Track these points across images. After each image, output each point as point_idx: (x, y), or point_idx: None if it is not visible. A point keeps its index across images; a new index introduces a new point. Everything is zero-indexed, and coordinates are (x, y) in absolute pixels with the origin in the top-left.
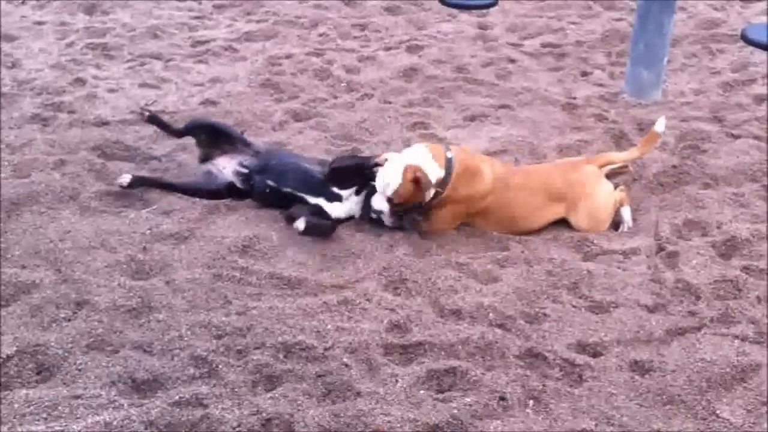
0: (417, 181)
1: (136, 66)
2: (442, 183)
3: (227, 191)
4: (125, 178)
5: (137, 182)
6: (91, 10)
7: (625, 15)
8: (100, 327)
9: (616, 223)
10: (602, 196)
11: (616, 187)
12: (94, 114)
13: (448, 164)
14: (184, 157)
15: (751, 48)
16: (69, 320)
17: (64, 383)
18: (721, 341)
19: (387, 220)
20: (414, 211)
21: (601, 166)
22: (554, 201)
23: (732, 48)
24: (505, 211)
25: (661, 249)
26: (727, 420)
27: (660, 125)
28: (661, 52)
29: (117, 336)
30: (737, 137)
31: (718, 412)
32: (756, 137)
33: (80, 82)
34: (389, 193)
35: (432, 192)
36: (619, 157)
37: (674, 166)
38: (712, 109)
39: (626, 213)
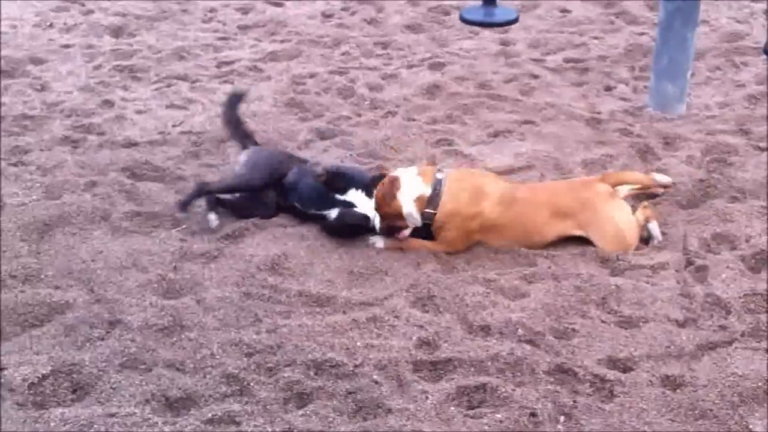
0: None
1: (163, 87)
2: (430, 202)
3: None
4: (213, 221)
5: (213, 205)
6: (118, 33)
7: (648, 29)
8: (133, 346)
9: (644, 239)
10: (619, 216)
11: (636, 205)
12: (122, 135)
13: (437, 184)
14: (211, 177)
15: None
16: (102, 339)
17: (99, 402)
18: (753, 355)
19: (377, 226)
20: (396, 225)
21: (614, 185)
22: (560, 217)
23: (756, 60)
24: (511, 226)
25: (689, 263)
26: None
27: (663, 178)
28: (685, 65)
29: (150, 354)
30: (764, 150)
31: (750, 426)
32: None
33: (108, 103)
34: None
35: (414, 209)
36: (632, 177)
37: (701, 180)
38: (737, 122)
39: (654, 228)
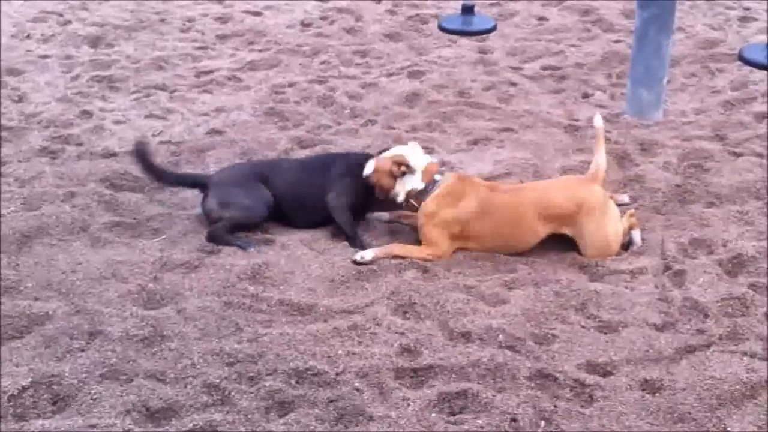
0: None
1: (142, 97)
2: (417, 196)
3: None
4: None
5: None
6: (96, 43)
7: (624, 37)
8: (114, 357)
9: (624, 244)
10: (611, 224)
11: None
12: (101, 146)
13: (431, 183)
14: (194, 189)
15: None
16: (82, 350)
17: (80, 413)
18: (730, 358)
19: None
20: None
21: (603, 181)
22: (550, 219)
23: (731, 67)
24: (492, 231)
25: (667, 268)
26: None
27: (597, 120)
28: (661, 72)
29: (130, 365)
30: (739, 155)
31: (728, 429)
32: (758, 155)
33: (87, 114)
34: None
35: (403, 195)
36: (602, 164)
37: (678, 186)
38: (713, 128)
39: (636, 235)
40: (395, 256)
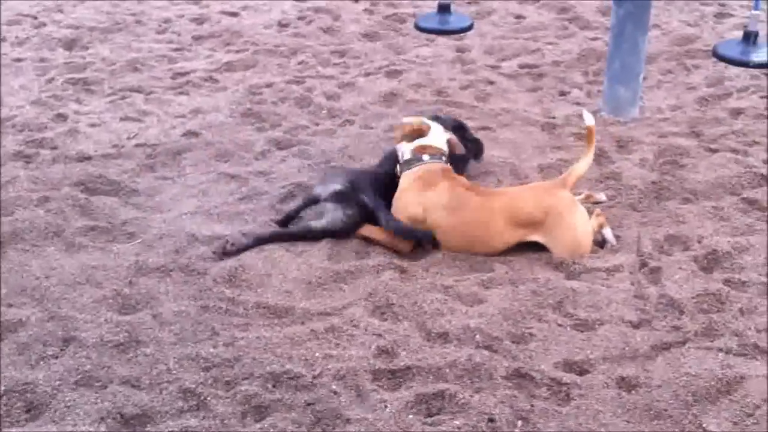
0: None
1: (117, 100)
2: (401, 165)
3: None
4: None
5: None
6: (71, 46)
7: (600, 34)
8: (88, 363)
9: (599, 243)
10: (580, 225)
11: (591, 212)
12: (76, 149)
13: (416, 160)
14: (170, 192)
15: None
16: (57, 357)
17: (54, 421)
18: (706, 355)
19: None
20: None
21: (573, 186)
22: (518, 225)
23: (707, 63)
24: (459, 229)
25: (643, 265)
26: None
27: (588, 119)
28: (637, 69)
29: (105, 372)
30: (715, 151)
31: (704, 425)
32: (733, 150)
33: (62, 117)
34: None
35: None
36: (581, 169)
37: (654, 182)
38: (689, 124)
39: (608, 233)
40: (364, 238)
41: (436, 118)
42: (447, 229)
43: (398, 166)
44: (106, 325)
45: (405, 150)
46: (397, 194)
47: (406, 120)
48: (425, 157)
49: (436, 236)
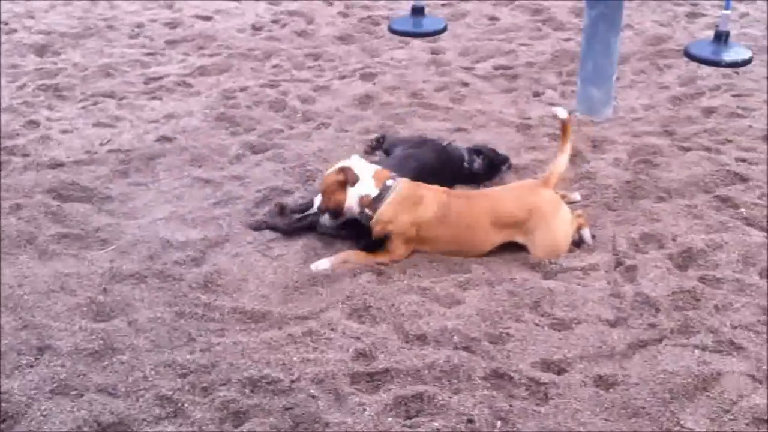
0: (343, 178)
1: (90, 105)
2: (372, 204)
3: None
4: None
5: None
6: (42, 51)
7: (574, 35)
8: (63, 372)
9: (576, 242)
10: (562, 226)
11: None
12: (48, 156)
13: (385, 189)
14: (144, 197)
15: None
16: (31, 366)
17: (30, 430)
18: (682, 352)
19: (322, 218)
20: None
21: (555, 185)
22: (502, 226)
23: (679, 62)
24: (448, 236)
25: (619, 263)
26: (692, 430)
27: (561, 112)
28: (610, 70)
29: (80, 380)
30: (688, 150)
31: (682, 422)
32: (706, 149)
33: (33, 124)
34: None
35: (356, 205)
36: (561, 166)
37: (628, 181)
38: (662, 124)
39: (586, 234)
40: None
41: (476, 151)
42: (438, 237)
43: (364, 209)
44: (81, 332)
45: (365, 190)
46: (383, 228)
47: (324, 185)
48: (389, 182)
49: (428, 245)
